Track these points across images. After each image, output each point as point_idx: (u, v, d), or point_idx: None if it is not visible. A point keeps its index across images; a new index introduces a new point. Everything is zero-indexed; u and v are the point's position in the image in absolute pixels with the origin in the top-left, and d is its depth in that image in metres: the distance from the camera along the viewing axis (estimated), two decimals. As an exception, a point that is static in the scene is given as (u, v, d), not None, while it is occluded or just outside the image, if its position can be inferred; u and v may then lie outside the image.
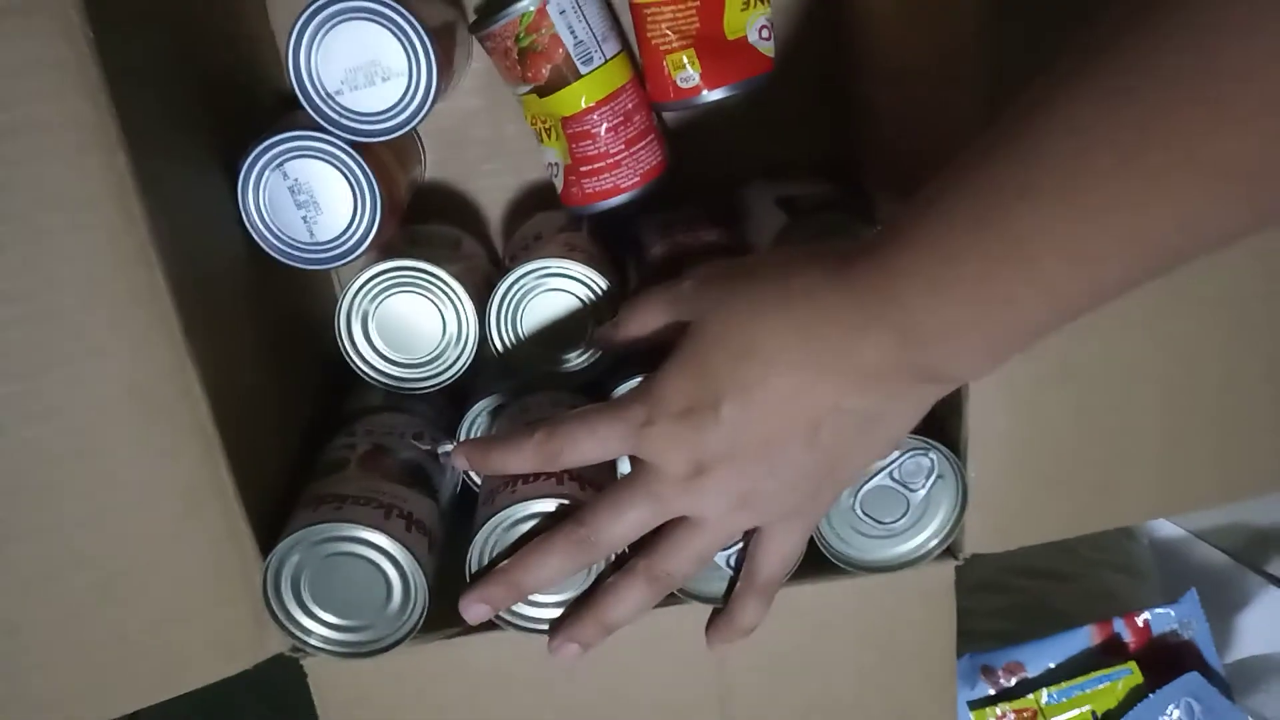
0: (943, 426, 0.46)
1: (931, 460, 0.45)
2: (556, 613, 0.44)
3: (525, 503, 0.43)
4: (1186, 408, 0.47)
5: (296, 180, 0.48)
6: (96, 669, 0.42)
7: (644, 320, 0.45)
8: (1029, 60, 0.32)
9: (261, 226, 0.49)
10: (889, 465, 0.45)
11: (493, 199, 0.61)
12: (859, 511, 0.46)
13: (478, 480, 0.55)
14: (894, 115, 0.53)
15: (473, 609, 0.42)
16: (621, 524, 0.41)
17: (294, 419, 0.52)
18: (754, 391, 0.38)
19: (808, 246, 0.41)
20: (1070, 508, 0.49)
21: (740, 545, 0.45)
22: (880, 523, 0.46)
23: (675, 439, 0.39)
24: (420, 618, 0.44)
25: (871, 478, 0.45)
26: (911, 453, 0.45)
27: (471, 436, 0.55)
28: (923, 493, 0.46)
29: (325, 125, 0.48)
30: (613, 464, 0.50)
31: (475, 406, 0.54)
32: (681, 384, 0.40)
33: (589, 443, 0.41)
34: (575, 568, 0.42)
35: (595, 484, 0.45)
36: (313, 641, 0.44)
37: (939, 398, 0.40)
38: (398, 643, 0.44)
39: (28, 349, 0.38)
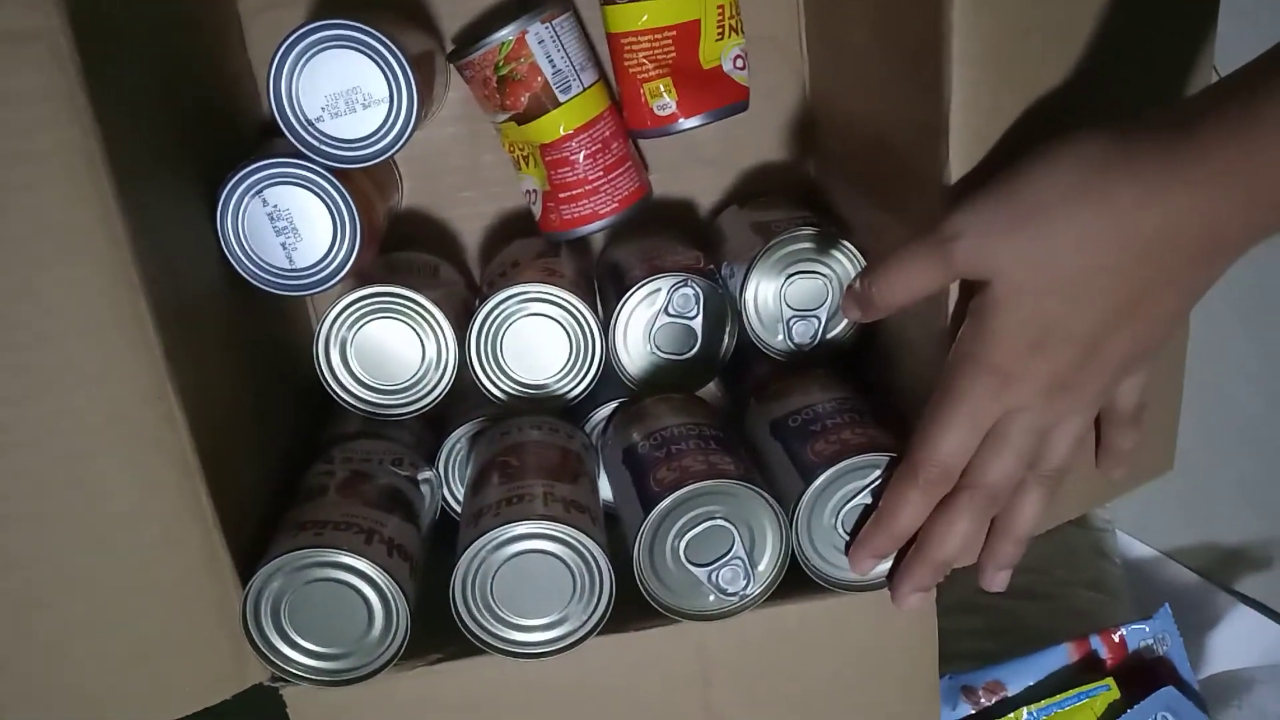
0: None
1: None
2: (539, 636, 0.44)
3: (508, 526, 0.43)
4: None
5: (276, 207, 0.48)
6: (77, 700, 0.42)
7: (909, 282, 0.42)
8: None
9: (240, 253, 0.49)
10: (870, 484, 0.46)
11: (470, 226, 0.62)
12: (841, 531, 0.46)
13: (458, 506, 0.55)
14: (856, 118, 0.54)
15: (910, 599, 0.45)
16: (1005, 473, 0.41)
17: (273, 445, 0.52)
18: (1122, 321, 0.37)
19: (1084, 144, 0.37)
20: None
21: (728, 564, 0.45)
22: (861, 542, 0.47)
23: (1031, 381, 0.39)
24: (402, 644, 0.43)
25: (851, 498, 0.46)
26: (889, 472, 0.46)
27: (451, 463, 0.55)
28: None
29: (305, 152, 0.48)
30: (595, 489, 0.50)
31: (455, 432, 0.54)
32: (1019, 342, 0.39)
33: (958, 445, 0.41)
34: (983, 525, 0.43)
35: (579, 507, 0.45)
36: (293, 670, 0.43)
37: None
38: (379, 670, 0.43)
39: (16, 375, 0.38)
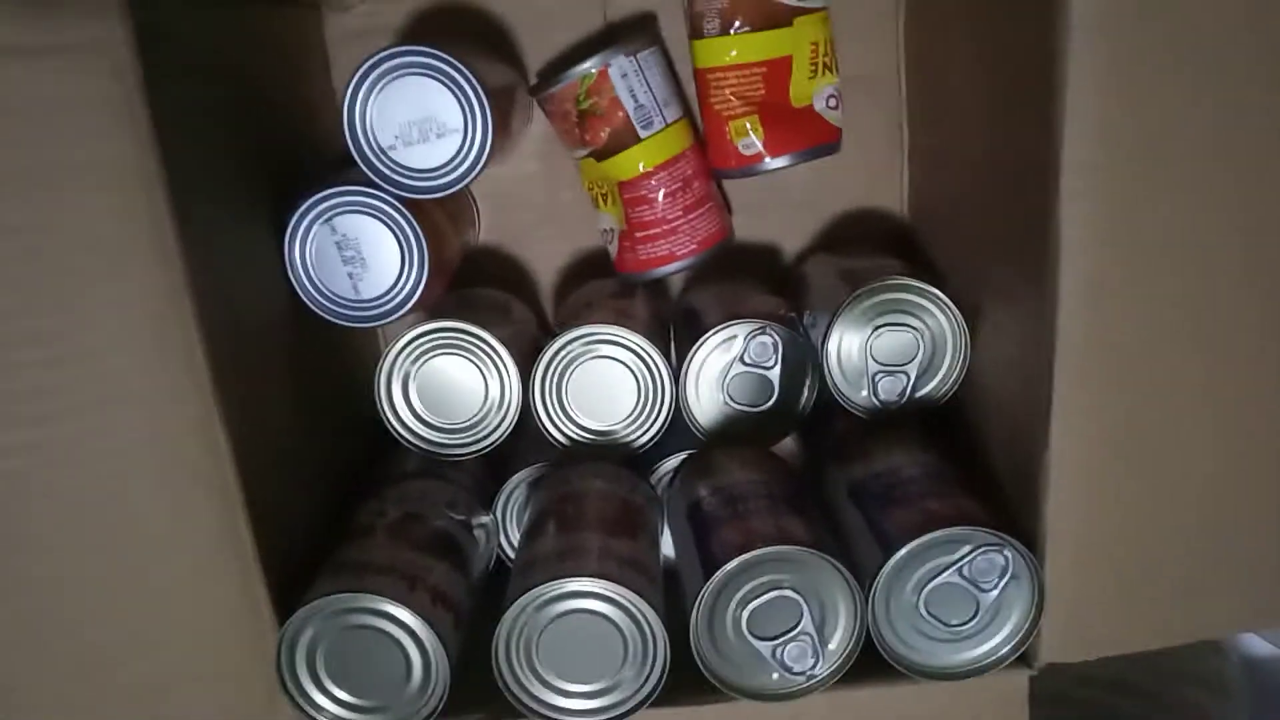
0: (1018, 521, 0.42)
1: (1006, 558, 0.41)
2: (585, 704, 0.41)
3: (558, 582, 0.40)
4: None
5: (345, 236, 0.47)
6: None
7: None
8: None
9: (306, 281, 0.48)
10: (959, 561, 0.41)
11: (546, 265, 0.60)
12: (923, 611, 0.42)
13: (513, 554, 0.52)
14: (960, 170, 0.50)
15: None
16: None
17: (325, 480, 0.50)
18: None
19: None
20: (1157, 615, 0.44)
21: (795, 640, 0.41)
22: (946, 625, 0.42)
23: None
24: (441, 701, 0.41)
25: (939, 574, 0.41)
26: (984, 549, 0.41)
27: (509, 508, 0.52)
28: (995, 593, 0.42)
29: (377, 180, 0.47)
30: (655, 546, 0.47)
31: (514, 477, 0.52)
32: None
33: None
34: None
35: (637, 565, 0.42)
36: (325, 719, 0.41)
37: None
38: (416, 727, 0.41)
39: (54, 392, 0.37)
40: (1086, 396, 0.40)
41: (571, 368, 0.49)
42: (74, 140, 0.34)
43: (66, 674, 0.40)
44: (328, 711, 0.41)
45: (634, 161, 0.53)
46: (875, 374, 0.49)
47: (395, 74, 0.45)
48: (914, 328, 0.49)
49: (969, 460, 0.48)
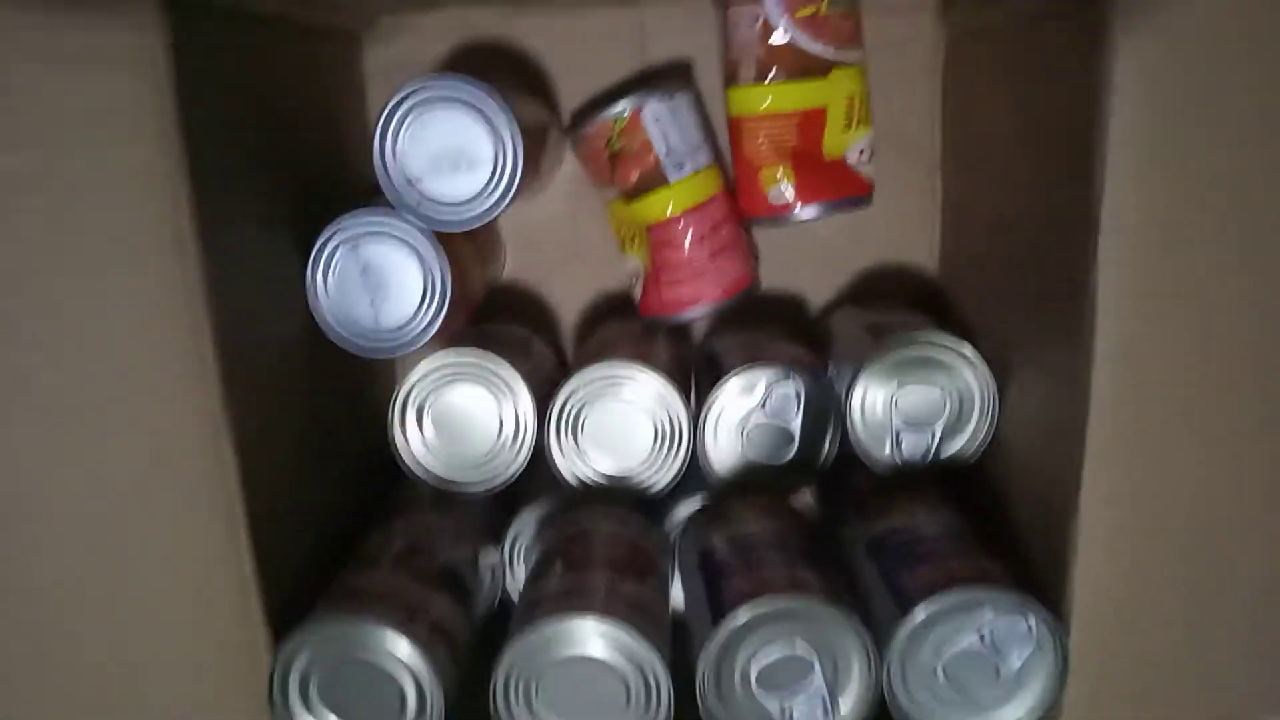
0: (1043, 587, 0.41)
1: (1030, 625, 0.40)
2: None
3: (566, 620, 0.38)
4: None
5: (368, 262, 0.47)
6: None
7: None
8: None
9: (325, 306, 0.47)
10: (980, 626, 0.40)
11: (569, 304, 0.60)
12: (941, 676, 0.40)
13: (516, 593, 0.51)
14: (994, 227, 0.50)
15: None
16: None
17: (332, 507, 0.49)
18: None
19: None
20: (1186, 694, 0.42)
21: (805, 697, 0.39)
22: (965, 691, 0.40)
23: None
24: (433, 741, 0.39)
25: (958, 637, 0.40)
26: (1007, 614, 0.39)
27: (516, 546, 0.51)
28: (1016, 662, 0.40)
29: (404, 209, 0.47)
30: (664, 592, 0.45)
31: (523, 514, 0.51)
32: None
33: None
34: None
35: (644, 610, 0.40)
36: (312, 754, 0.39)
37: None
38: (405, 767, 0.39)
39: (64, 400, 0.37)
40: (1119, 461, 0.39)
41: (589, 407, 0.49)
42: (105, 146, 0.35)
43: (58, 686, 0.39)
44: (317, 745, 0.39)
45: (663, 204, 0.52)
46: (899, 430, 0.48)
47: (428, 104, 0.46)
48: (941, 384, 0.48)
49: (992, 520, 0.46)
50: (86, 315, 0.36)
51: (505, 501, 0.51)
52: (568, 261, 0.59)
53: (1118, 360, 0.38)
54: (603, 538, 0.45)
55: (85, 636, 0.39)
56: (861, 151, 0.54)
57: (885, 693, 0.40)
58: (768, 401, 0.48)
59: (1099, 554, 0.40)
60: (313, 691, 0.39)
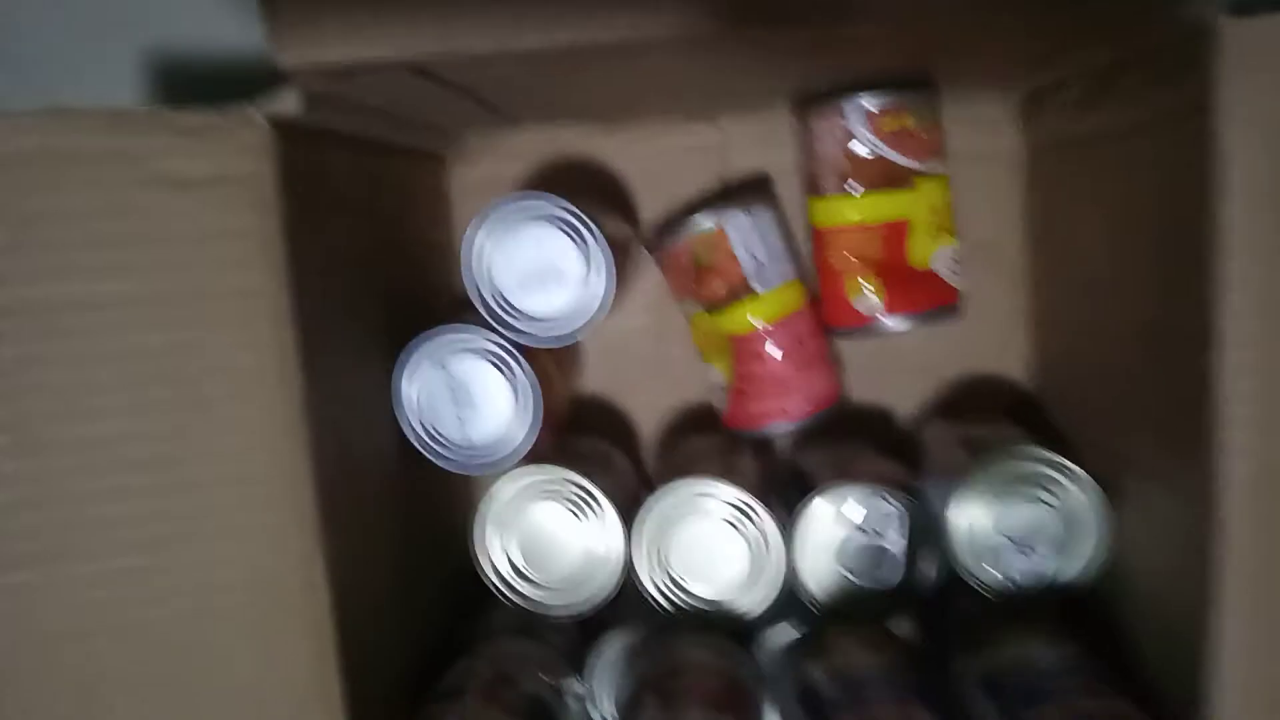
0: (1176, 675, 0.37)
1: None
2: None
3: (663, 764, 0.36)
4: None
5: (456, 378, 0.47)
6: None
7: None
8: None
9: (415, 421, 0.47)
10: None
11: (650, 418, 0.59)
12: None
13: (603, 726, 0.49)
14: (1091, 337, 0.48)
15: None
16: None
17: (421, 632, 0.48)
18: None
19: None
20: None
21: None
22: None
23: None
24: None
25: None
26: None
27: (600, 675, 0.49)
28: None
29: (494, 324, 0.46)
30: (760, 714, 0.43)
31: (609, 640, 0.48)
32: None
33: None
34: None
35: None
36: None
37: None
38: None
39: (159, 521, 0.36)
40: (1259, 588, 0.36)
41: (676, 524, 0.47)
42: (216, 269, 0.35)
43: None
44: None
45: (748, 316, 0.52)
46: (1006, 551, 0.46)
47: (519, 219, 0.46)
48: (1048, 503, 0.46)
49: (1114, 653, 0.43)
50: (187, 437, 0.36)
51: (589, 625, 0.49)
52: (649, 375, 0.58)
53: (1252, 486, 0.36)
54: (696, 670, 0.43)
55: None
56: (949, 260, 0.53)
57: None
58: (867, 518, 0.46)
59: (1237, 690, 0.36)
60: (402, 839, 0.37)
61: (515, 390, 0.47)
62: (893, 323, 0.52)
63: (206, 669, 0.37)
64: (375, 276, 0.47)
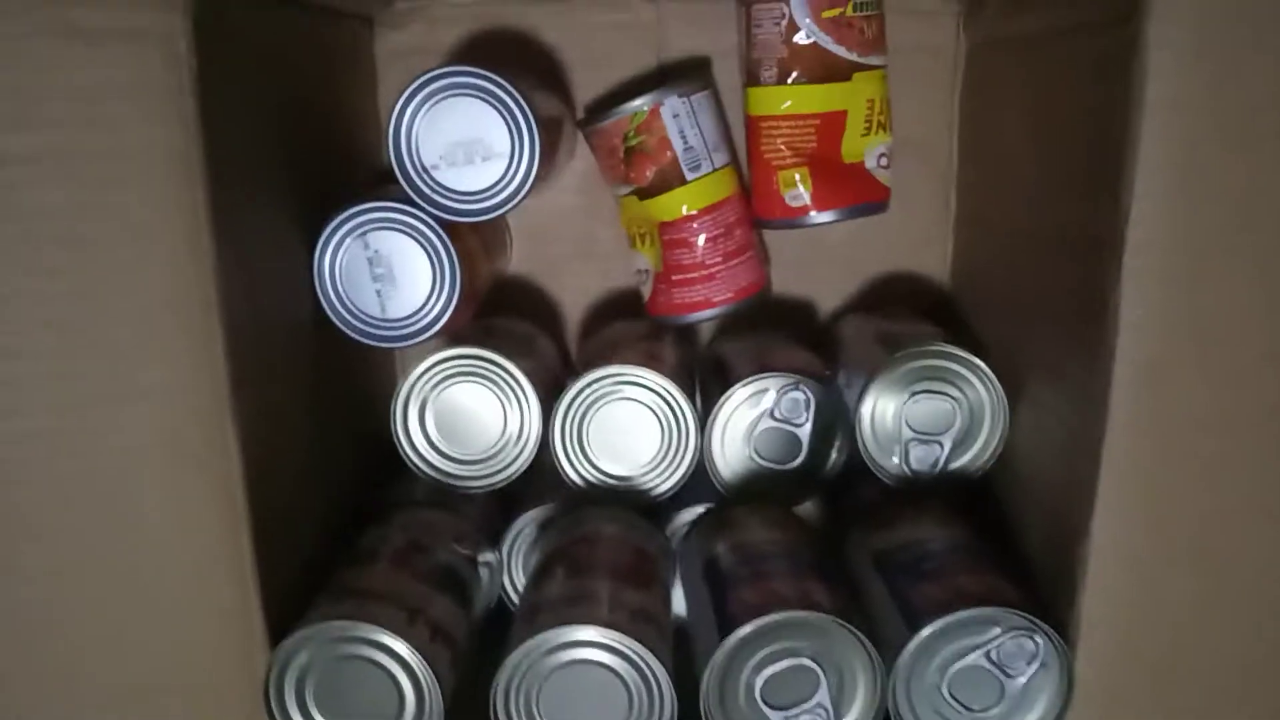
0: (1051, 606, 0.40)
1: (1036, 644, 0.39)
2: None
3: (566, 628, 0.38)
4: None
5: (377, 252, 0.46)
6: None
7: None
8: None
9: (332, 294, 0.46)
10: (987, 643, 0.39)
11: (575, 301, 0.59)
12: (946, 693, 0.40)
13: (518, 595, 0.50)
14: (1010, 239, 0.49)
15: None
16: None
17: (333, 498, 0.48)
18: None
19: None
20: (1190, 713, 0.42)
21: (809, 712, 0.39)
22: (968, 709, 0.40)
23: None
24: (430, 743, 0.38)
25: (965, 655, 0.39)
26: (1014, 632, 0.39)
27: (515, 547, 0.50)
28: (1022, 680, 0.40)
29: (417, 199, 0.46)
30: (667, 599, 0.45)
31: (525, 515, 0.50)
32: None
33: None
34: None
35: (648, 618, 0.40)
36: (307, 753, 0.39)
37: None
38: (400, 768, 0.38)
39: (69, 381, 0.36)
40: (1135, 483, 0.38)
41: (594, 407, 0.48)
42: (123, 125, 0.34)
43: (50, 666, 0.38)
44: (311, 744, 0.39)
45: (678, 203, 0.52)
46: (909, 441, 0.48)
47: (446, 93, 0.45)
48: (952, 397, 0.47)
49: (1001, 536, 0.46)
50: (96, 295, 0.35)
51: (505, 500, 0.50)
52: (576, 257, 0.58)
53: (1139, 381, 0.38)
54: (606, 543, 0.44)
55: (78, 629, 0.38)
56: (880, 157, 0.53)
57: (889, 708, 0.39)
58: (777, 409, 0.48)
59: (1111, 577, 0.39)
60: (309, 689, 0.38)
61: (436, 267, 0.46)
62: (821, 217, 0.53)
63: (120, 530, 0.37)
64: (295, 142, 0.46)
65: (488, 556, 0.47)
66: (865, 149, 0.52)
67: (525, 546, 0.50)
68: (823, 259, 0.57)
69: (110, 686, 0.39)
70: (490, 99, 0.45)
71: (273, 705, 0.38)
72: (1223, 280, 0.37)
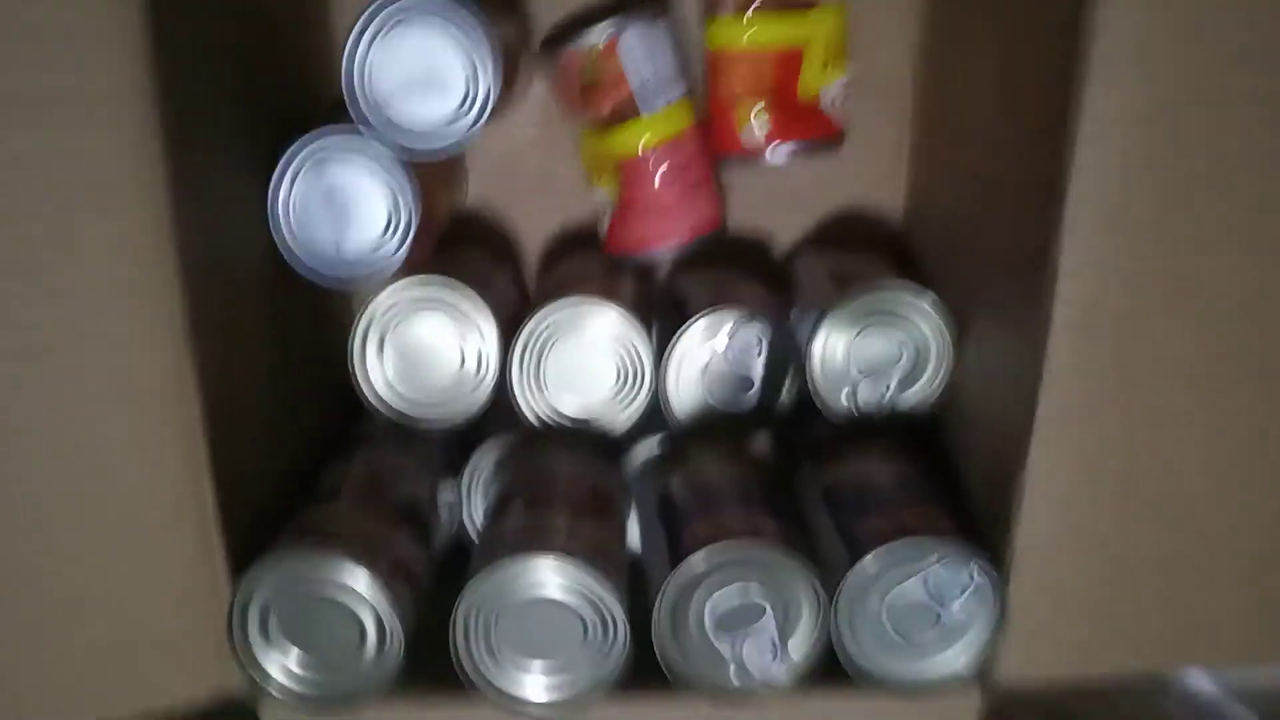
0: (988, 538, 0.42)
1: (970, 574, 0.41)
2: (541, 687, 0.40)
3: (525, 560, 0.39)
4: (1272, 544, 0.42)
5: (332, 187, 0.46)
6: (49, 678, 0.39)
7: None
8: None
9: (288, 233, 0.46)
10: (922, 572, 0.41)
11: (533, 235, 0.59)
12: (886, 623, 0.42)
13: (474, 529, 0.51)
14: (962, 181, 0.50)
15: None
16: None
17: (294, 438, 0.49)
18: None
19: None
20: (1120, 645, 0.44)
21: (756, 639, 0.41)
22: (906, 637, 0.42)
23: None
24: (393, 674, 0.40)
25: (902, 584, 0.41)
26: (949, 561, 0.41)
27: (474, 483, 0.52)
28: (956, 608, 0.42)
29: (372, 132, 0.45)
30: (622, 533, 0.46)
31: (482, 450, 0.51)
32: None
33: None
34: None
35: (603, 551, 0.41)
36: (272, 688, 0.40)
37: None
38: (364, 699, 0.40)
39: (27, 327, 0.35)
40: (1070, 421, 0.40)
41: (551, 343, 0.48)
42: (76, 67, 0.33)
43: (7, 617, 0.39)
44: (275, 679, 0.40)
45: (635, 138, 0.51)
46: (856, 378, 0.49)
47: (401, 20, 0.43)
48: (900, 334, 0.49)
49: (946, 472, 0.48)
50: (48, 243, 0.34)
51: (464, 437, 0.51)
52: (534, 191, 0.58)
53: (1076, 326, 0.39)
54: (562, 478, 0.46)
55: (41, 568, 0.38)
56: (839, 92, 0.53)
57: (832, 637, 0.41)
58: (730, 345, 0.49)
59: (1044, 510, 0.41)
60: (273, 626, 0.39)
61: (392, 202, 0.46)
62: (778, 153, 0.53)
63: (85, 475, 0.37)
64: (248, 75, 0.45)
65: (447, 493, 0.48)
66: (822, 85, 0.52)
67: (484, 481, 0.51)
68: (781, 196, 0.57)
69: (75, 636, 0.40)
70: (448, 26, 0.43)
71: (236, 643, 0.39)
72: (1164, 232, 0.38)
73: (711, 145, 0.54)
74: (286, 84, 0.50)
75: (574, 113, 0.52)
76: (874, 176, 0.57)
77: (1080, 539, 0.42)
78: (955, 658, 0.42)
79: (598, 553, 0.41)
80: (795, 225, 0.59)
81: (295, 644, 0.40)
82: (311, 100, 0.52)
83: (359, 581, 0.39)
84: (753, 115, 0.52)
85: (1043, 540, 0.42)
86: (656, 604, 0.40)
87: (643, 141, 0.51)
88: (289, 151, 0.45)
